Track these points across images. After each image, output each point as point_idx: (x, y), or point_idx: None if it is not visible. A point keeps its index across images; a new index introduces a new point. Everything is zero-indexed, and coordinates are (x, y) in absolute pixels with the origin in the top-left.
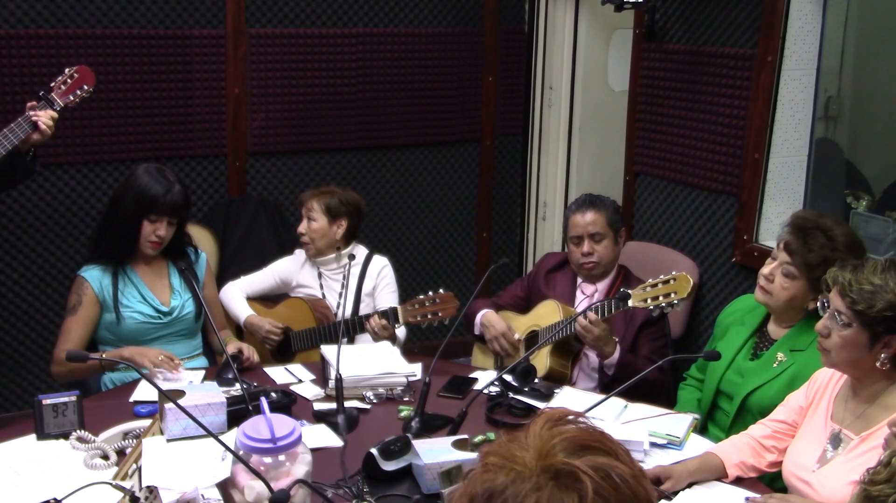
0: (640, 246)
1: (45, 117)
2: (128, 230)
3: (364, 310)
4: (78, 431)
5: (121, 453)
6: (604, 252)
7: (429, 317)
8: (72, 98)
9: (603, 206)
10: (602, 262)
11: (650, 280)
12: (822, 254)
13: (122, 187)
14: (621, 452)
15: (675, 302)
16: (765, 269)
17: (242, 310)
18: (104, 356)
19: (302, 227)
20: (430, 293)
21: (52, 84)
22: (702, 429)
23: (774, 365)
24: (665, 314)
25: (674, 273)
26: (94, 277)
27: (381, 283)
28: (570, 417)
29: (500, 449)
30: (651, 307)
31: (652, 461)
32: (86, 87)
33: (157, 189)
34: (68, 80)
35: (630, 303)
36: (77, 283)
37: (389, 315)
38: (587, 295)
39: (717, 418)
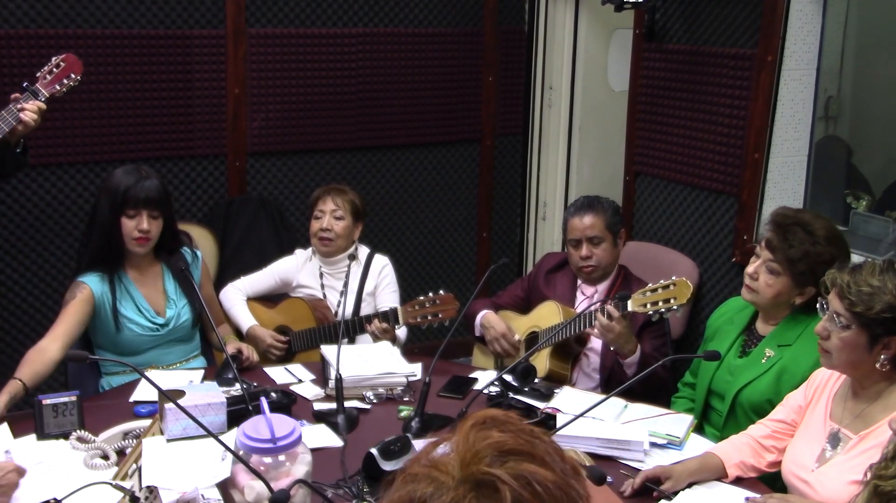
0: (640, 246)
1: (30, 109)
2: (108, 232)
3: (365, 309)
4: (78, 431)
5: (121, 453)
6: (603, 255)
7: (429, 318)
8: (58, 87)
9: (601, 209)
10: (601, 266)
11: (650, 285)
12: (802, 249)
13: (98, 191)
14: (549, 457)
15: (675, 307)
16: (749, 268)
17: (245, 320)
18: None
19: (326, 223)
20: (431, 294)
21: (38, 74)
22: (697, 429)
23: (763, 361)
24: (665, 318)
25: (674, 278)
26: (94, 282)
27: (382, 283)
28: (501, 418)
29: (426, 456)
30: (650, 312)
31: (652, 461)
32: (73, 76)
33: (127, 182)
34: (54, 70)
35: (630, 307)
36: (74, 285)
37: (390, 316)
38: (587, 296)
39: (711, 418)
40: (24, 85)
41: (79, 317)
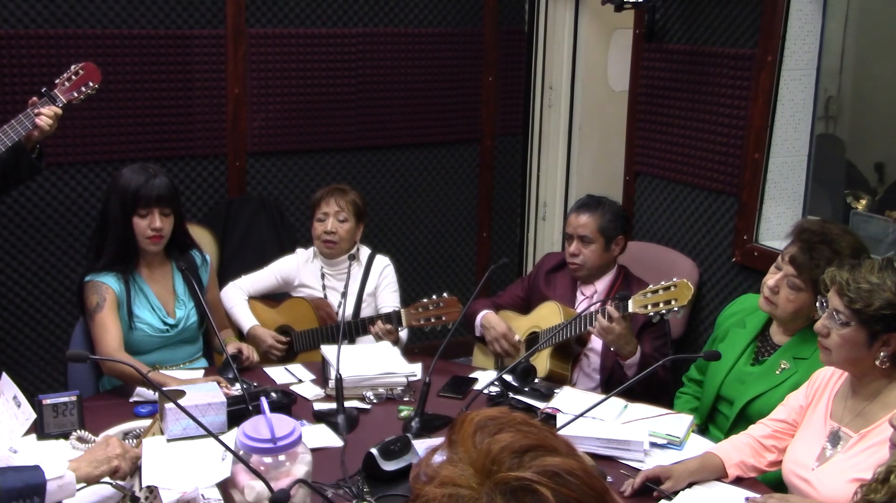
0: (640, 246)
1: (46, 114)
2: (122, 232)
3: (365, 309)
4: (78, 431)
5: None
6: (589, 255)
7: (432, 320)
8: (76, 95)
9: (600, 211)
10: (586, 266)
11: (651, 286)
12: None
13: (107, 192)
14: (555, 441)
15: (676, 309)
16: (769, 281)
17: (246, 320)
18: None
19: (331, 226)
20: (434, 297)
21: (57, 80)
22: (702, 430)
23: (777, 372)
24: (665, 319)
25: (675, 280)
26: (112, 281)
27: (382, 283)
28: (497, 415)
29: (430, 475)
30: (651, 313)
31: (652, 461)
32: (91, 84)
33: (137, 181)
34: (73, 77)
35: (630, 308)
36: (93, 286)
37: (393, 318)
38: (587, 296)
39: (717, 421)
40: (43, 90)
41: (118, 320)
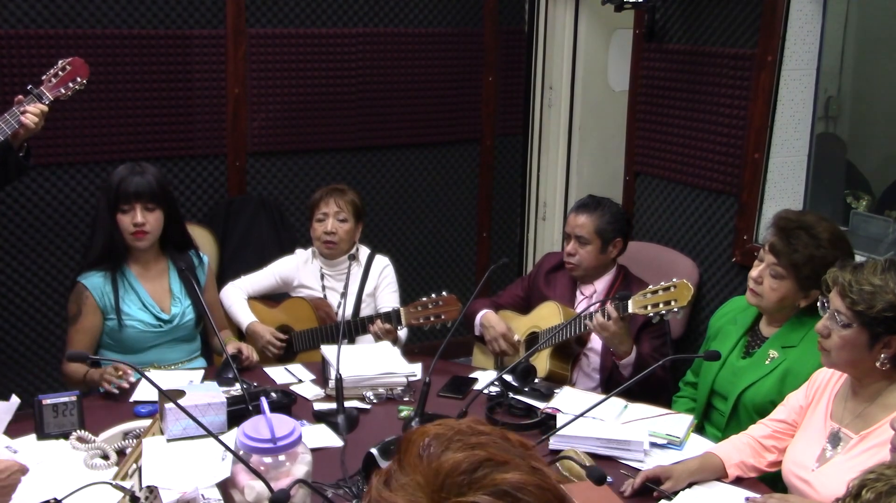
0: (640, 246)
1: (32, 112)
2: (108, 229)
3: (365, 310)
4: (78, 431)
5: (121, 453)
6: (585, 256)
7: (431, 319)
8: (63, 91)
9: (599, 212)
10: (581, 266)
11: (651, 286)
12: (806, 253)
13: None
14: (505, 450)
15: (676, 309)
16: (753, 272)
17: (244, 316)
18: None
19: (331, 227)
20: (433, 295)
21: (43, 77)
22: (699, 429)
23: (766, 362)
24: (665, 319)
25: (674, 280)
26: (96, 285)
27: (382, 283)
28: (439, 431)
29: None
30: (651, 314)
31: (652, 461)
32: (79, 80)
33: (120, 177)
34: (59, 73)
35: (630, 309)
36: (77, 291)
37: (392, 317)
38: (586, 295)
39: (713, 418)
40: (29, 87)
41: (94, 331)
